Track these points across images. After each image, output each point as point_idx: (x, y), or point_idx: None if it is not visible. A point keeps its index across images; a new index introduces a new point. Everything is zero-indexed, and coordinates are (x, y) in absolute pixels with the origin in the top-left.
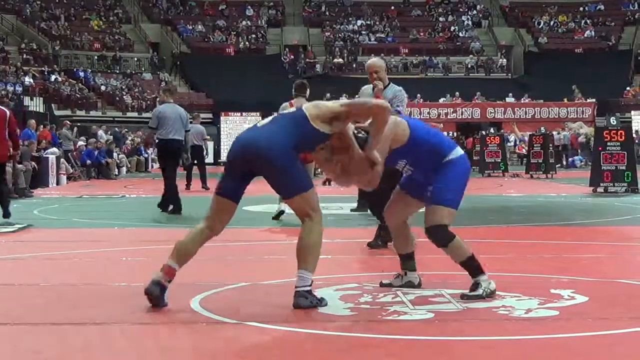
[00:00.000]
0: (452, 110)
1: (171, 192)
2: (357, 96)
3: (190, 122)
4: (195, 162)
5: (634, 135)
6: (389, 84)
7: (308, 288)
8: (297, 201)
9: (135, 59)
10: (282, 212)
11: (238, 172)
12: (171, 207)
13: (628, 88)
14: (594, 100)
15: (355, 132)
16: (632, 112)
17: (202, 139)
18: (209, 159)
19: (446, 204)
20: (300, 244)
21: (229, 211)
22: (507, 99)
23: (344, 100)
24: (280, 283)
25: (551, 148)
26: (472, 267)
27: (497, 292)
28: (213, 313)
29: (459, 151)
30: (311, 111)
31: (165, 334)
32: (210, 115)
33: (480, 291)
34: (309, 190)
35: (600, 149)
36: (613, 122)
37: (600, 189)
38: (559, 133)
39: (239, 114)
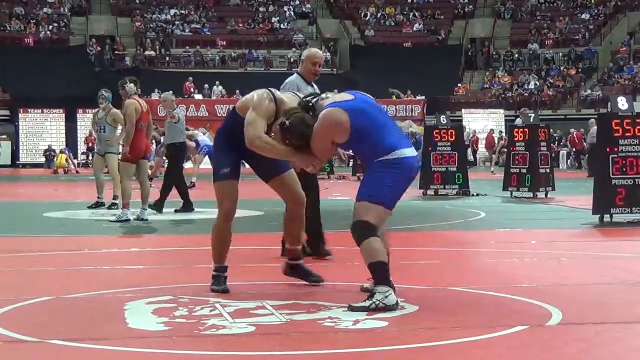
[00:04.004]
0: None
1: None
2: (281, 88)
3: None
4: None
5: (466, 135)
6: None
7: (213, 273)
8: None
9: None
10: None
11: None
12: None
13: (459, 85)
14: (423, 97)
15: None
16: (463, 111)
17: None
18: (4, 160)
19: (369, 200)
20: None
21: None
22: None
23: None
24: (88, 296)
25: None
26: (378, 274)
27: (322, 303)
28: (11, 331)
29: (400, 153)
30: (238, 104)
31: None
32: (7, 113)
33: (368, 303)
34: (221, 182)
35: (430, 149)
36: (443, 121)
37: (430, 192)
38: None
39: (40, 110)
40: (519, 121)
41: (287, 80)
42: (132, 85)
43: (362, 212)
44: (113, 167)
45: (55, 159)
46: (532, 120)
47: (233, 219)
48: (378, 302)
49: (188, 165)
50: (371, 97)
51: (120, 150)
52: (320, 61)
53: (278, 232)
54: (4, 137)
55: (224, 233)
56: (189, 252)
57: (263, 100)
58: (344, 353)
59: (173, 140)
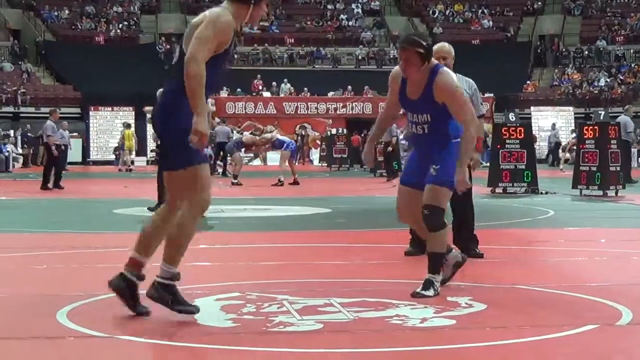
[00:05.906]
0: (341, 105)
1: None
2: None
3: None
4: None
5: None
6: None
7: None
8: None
9: None
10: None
11: None
12: None
13: (528, 82)
14: (492, 95)
15: None
16: (532, 108)
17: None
18: (77, 157)
19: (448, 185)
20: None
21: None
22: None
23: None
24: None
25: None
26: (438, 263)
27: (390, 301)
28: (82, 326)
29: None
30: (185, 42)
31: (28, 350)
32: (78, 110)
33: (432, 292)
34: (200, 165)
35: (498, 147)
36: (512, 118)
37: (499, 190)
38: None
39: (110, 108)
40: (622, 118)
41: None
42: None
43: (440, 197)
44: None
45: (122, 143)
46: (602, 118)
47: None
48: (437, 291)
49: (256, 162)
50: None
51: None
52: (442, 54)
53: (345, 230)
54: (74, 134)
55: (192, 229)
56: (255, 249)
57: (223, 15)
58: (412, 351)
59: None
